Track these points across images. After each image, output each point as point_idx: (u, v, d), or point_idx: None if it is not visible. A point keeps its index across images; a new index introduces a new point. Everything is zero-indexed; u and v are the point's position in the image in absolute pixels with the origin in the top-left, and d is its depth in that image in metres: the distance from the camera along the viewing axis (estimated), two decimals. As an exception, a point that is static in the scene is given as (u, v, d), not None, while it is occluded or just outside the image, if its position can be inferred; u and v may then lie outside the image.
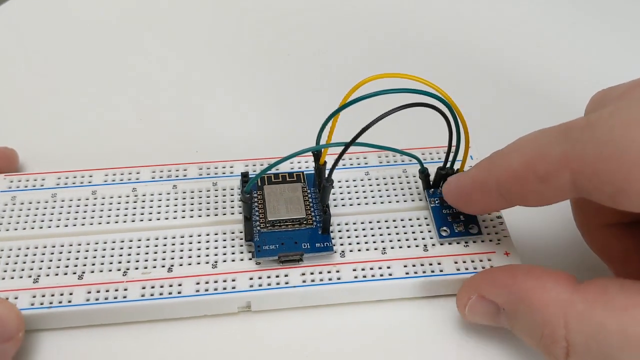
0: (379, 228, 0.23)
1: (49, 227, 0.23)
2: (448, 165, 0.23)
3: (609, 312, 0.17)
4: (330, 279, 0.21)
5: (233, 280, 0.21)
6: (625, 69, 0.32)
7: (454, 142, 0.22)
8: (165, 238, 0.22)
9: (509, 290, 0.19)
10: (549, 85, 0.31)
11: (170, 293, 0.21)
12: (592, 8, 0.36)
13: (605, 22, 0.35)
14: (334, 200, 0.24)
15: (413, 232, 0.23)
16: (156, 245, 0.22)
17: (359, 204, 0.24)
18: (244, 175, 0.24)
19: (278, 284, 0.21)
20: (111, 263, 0.22)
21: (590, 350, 0.17)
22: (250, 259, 0.22)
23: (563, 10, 0.36)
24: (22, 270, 0.21)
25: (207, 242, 0.22)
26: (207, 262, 0.22)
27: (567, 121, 0.18)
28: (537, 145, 0.18)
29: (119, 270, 0.21)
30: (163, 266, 0.22)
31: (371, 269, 0.22)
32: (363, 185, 0.25)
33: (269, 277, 0.21)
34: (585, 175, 0.17)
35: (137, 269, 0.22)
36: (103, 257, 0.22)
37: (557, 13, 0.36)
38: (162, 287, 0.21)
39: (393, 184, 0.25)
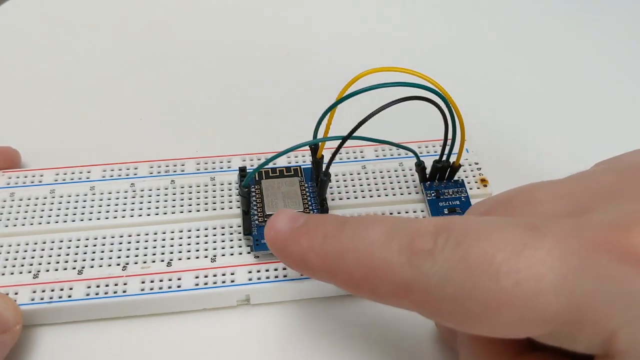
0: (376, 221, 0.23)
1: (48, 222, 0.23)
2: (444, 158, 0.23)
3: None
4: (328, 272, 0.22)
5: (232, 274, 0.21)
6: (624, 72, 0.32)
7: (449, 136, 0.22)
8: (164, 233, 0.23)
9: None
10: (545, 82, 0.31)
11: (169, 287, 0.21)
12: (592, 8, 0.36)
13: (604, 22, 0.35)
14: (332, 194, 0.24)
15: (410, 225, 0.23)
16: (155, 240, 0.22)
17: (356, 198, 0.24)
18: (242, 170, 0.24)
19: (277, 277, 0.21)
20: (110, 258, 0.22)
21: None
22: (248, 253, 0.22)
23: (561, 10, 0.36)
24: (22, 265, 0.22)
25: (206, 236, 0.23)
26: (206, 256, 0.22)
27: (414, 238, 0.15)
28: (376, 260, 0.16)
29: (118, 265, 0.22)
30: (162, 260, 0.22)
31: (369, 261, 0.22)
32: (360, 179, 0.25)
33: (267, 270, 0.22)
34: (428, 311, 0.16)
35: (136, 263, 0.22)
36: (102, 252, 0.22)
37: (555, 14, 0.36)
38: (161, 281, 0.21)
39: (390, 177, 0.25)
